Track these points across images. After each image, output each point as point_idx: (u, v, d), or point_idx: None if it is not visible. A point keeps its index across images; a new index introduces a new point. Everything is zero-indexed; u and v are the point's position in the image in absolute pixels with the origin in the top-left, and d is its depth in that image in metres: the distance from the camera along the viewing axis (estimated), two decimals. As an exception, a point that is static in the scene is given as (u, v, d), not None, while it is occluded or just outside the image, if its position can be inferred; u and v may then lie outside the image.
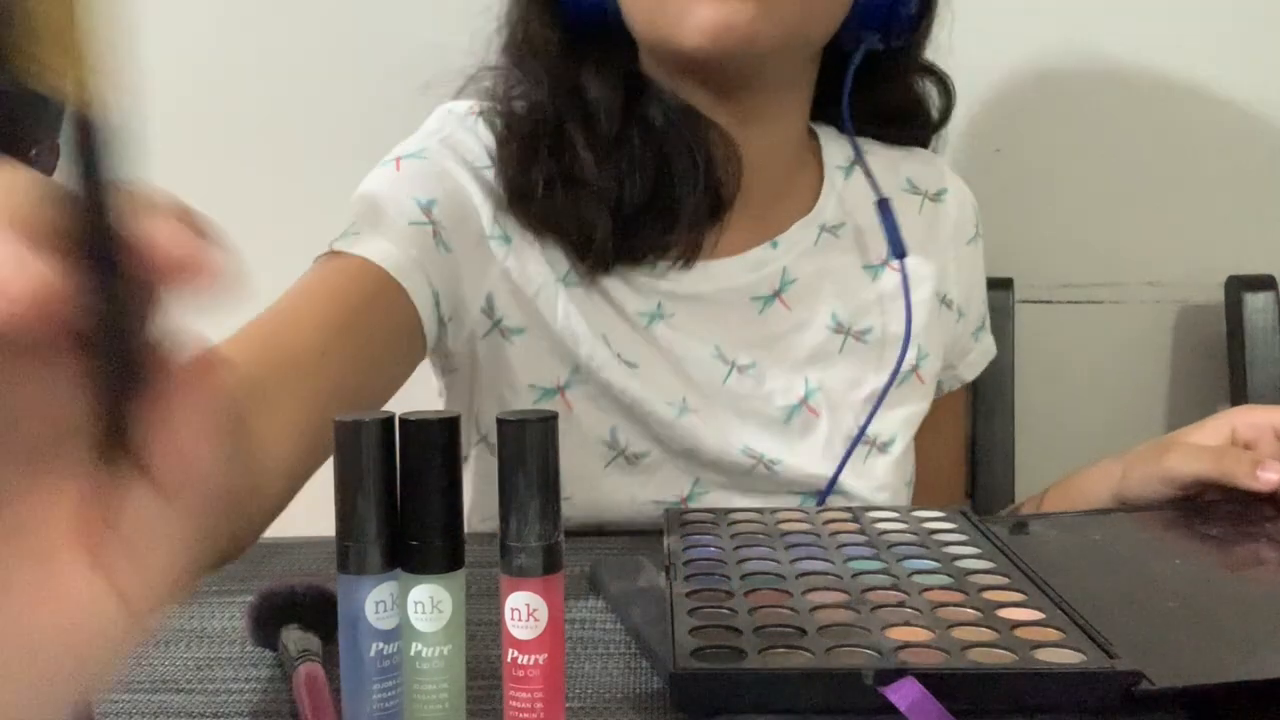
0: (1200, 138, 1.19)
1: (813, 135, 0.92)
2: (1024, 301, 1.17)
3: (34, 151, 0.64)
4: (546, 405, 0.82)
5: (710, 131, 0.83)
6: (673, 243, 0.82)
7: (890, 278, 0.88)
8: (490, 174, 0.82)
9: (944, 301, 0.92)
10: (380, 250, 0.76)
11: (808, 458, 0.84)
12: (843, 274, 0.88)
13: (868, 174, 0.87)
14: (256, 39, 1.18)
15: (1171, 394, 1.22)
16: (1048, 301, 1.21)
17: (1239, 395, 1.15)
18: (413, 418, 0.45)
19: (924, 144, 0.95)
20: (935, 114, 0.94)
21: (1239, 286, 1.16)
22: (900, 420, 0.87)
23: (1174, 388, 1.22)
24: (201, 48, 1.17)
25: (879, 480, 0.86)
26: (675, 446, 0.83)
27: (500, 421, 0.45)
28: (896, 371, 0.85)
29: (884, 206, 0.86)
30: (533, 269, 0.82)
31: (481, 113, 0.84)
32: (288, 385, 0.67)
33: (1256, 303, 1.15)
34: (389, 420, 0.45)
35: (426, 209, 0.79)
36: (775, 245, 0.86)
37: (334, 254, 0.77)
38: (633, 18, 0.81)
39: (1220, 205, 1.20)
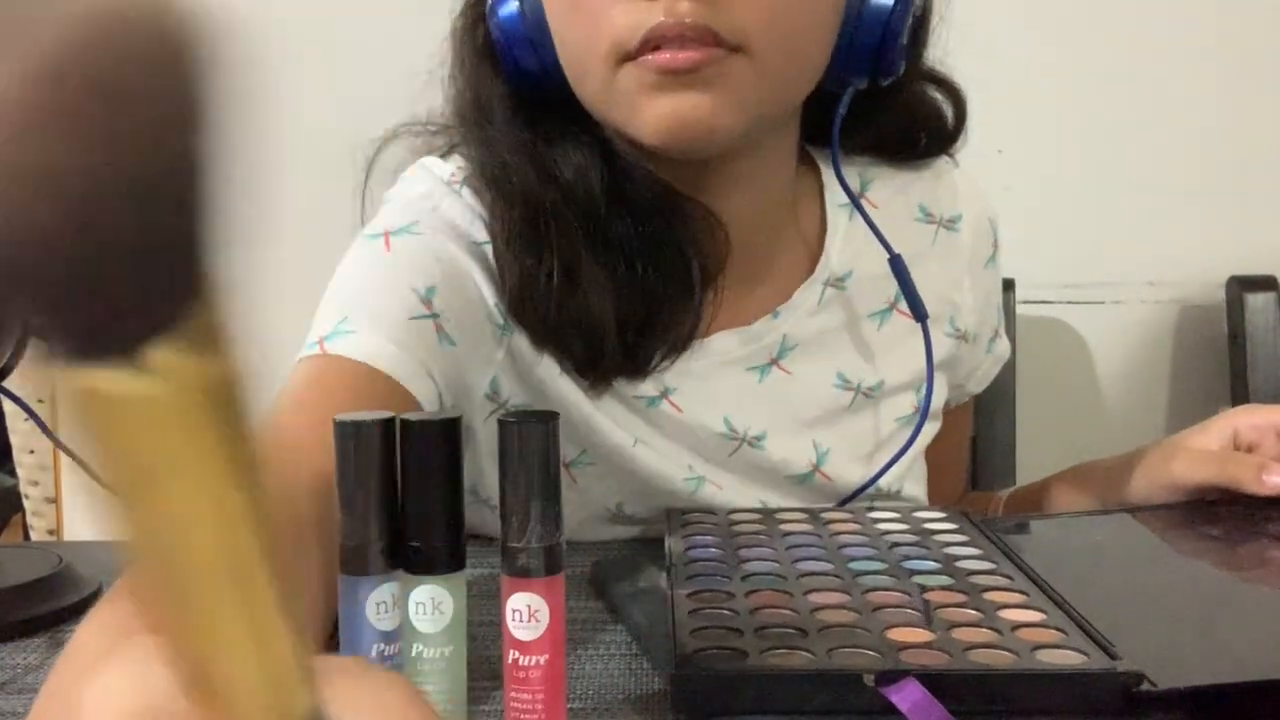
0: (1201, 138, 1.19)
1: (813, 165, 0.85)
2: (1025, 301, 1.17)
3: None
4: None
5: (688, 209, 0.75)
6: (671, 338, 0.76)
7: (898, 322, 0.82)
8: (489, 251, 0.75)
9: (958, 337, 0.86)
10: (384, 353, 0.68)
11: None
12: (848, 328, 0.82)
13: (875, 231, 0.78)
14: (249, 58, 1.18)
15: (1172, 394, 1.22)
16: (1048, 301, 1.21)
17: (1240, 395, 1.15)
18: (413, 418, 0.45)
19: (940, 154, 0.87)
20: (950, 122, 0.85)
21: (1240, 287, 1.16)
22: (905, 464, 0.83)
23: (1175, 388, 1.22)
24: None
25: None
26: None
27: (501, 422, 0.45)
28: (910, 442, 0.81)
29: (898, 265, 0.78)
30: (536, 356, 0.76)
31: (465, 179, 0.77)
32: (303, 553, 0.54)
33: (1257, 303, 1.15)
34: (390, 421, 0.45)
35: (427, 299, 0.71)
36: (777, 316, 0.80)
37: (329, 356, 0.68)
38: (584, 100, 0.73)
39: (1221, 205, 1.20)
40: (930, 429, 0.86)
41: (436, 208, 0.76)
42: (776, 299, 0.81)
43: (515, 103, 0.76)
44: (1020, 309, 1.16)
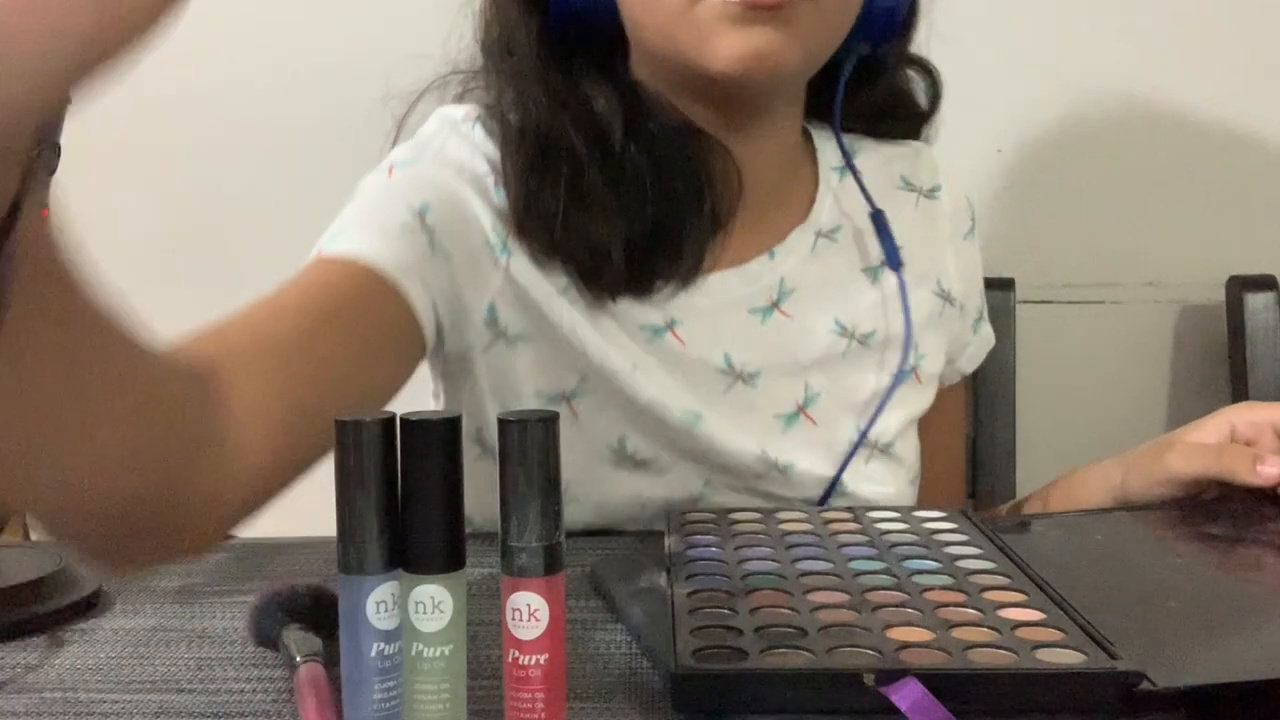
0: (1200, 138, 1.19)
1: (807, 135, 0.91)
2: (1025, 301, 1.17)
3: (37, 152, 0.64)
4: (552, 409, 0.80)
5: (709, 148, 0.81)
6: (677, 265, 0.81)
7: (891, 279, 0.87)
8: (491, 183, 0.80)
9: (945, 298, 0.91)
10: (370, 248, 0.72)
11: (811, 462, 0.83)
12: (842, 279, 0.87)
13: (860, 185, 0.86)
14: (239, 45, 1.18)
15: (1172, 394, 1.22)
16: (1048, 301, 1.21)
17: (1240, 395, 1.15)
18: (413, 418, 0.45)
19: (915, 136, 0.94)
20: (925, 104, 0.92)
21: (1240, 286, 1.16)
22: (899, 422, 0.86)
23: (1175, 388, 1.22)
24: (181, 52, 1.18)
25: (882, 481, 0.86)
26: (689, 451, 0.81)
27: (501, 421, 0.45)
28: (896, 382, 0.85)
29: (879, 219, 0.86)
30: (535, 278, 0.79)
31: (479, 118, 0.82)
32: (262, 368, 0.60)
33: (1257, 303, 1.15)
34: (390, 420, 0.45)
35: (420, 214, 0.76)
36: (773, 255, 0.85)
37: (323, 258, 0.73)
38: (645, 29, 0.78)
39: (1220, 205, 1.20)
40: (924, 393, 0.89)
41: (442, 147, 0.81)
42: (772, 242, 0.86)
43: (544, 41, 0.81)
44: (1020, 309, 1.16)
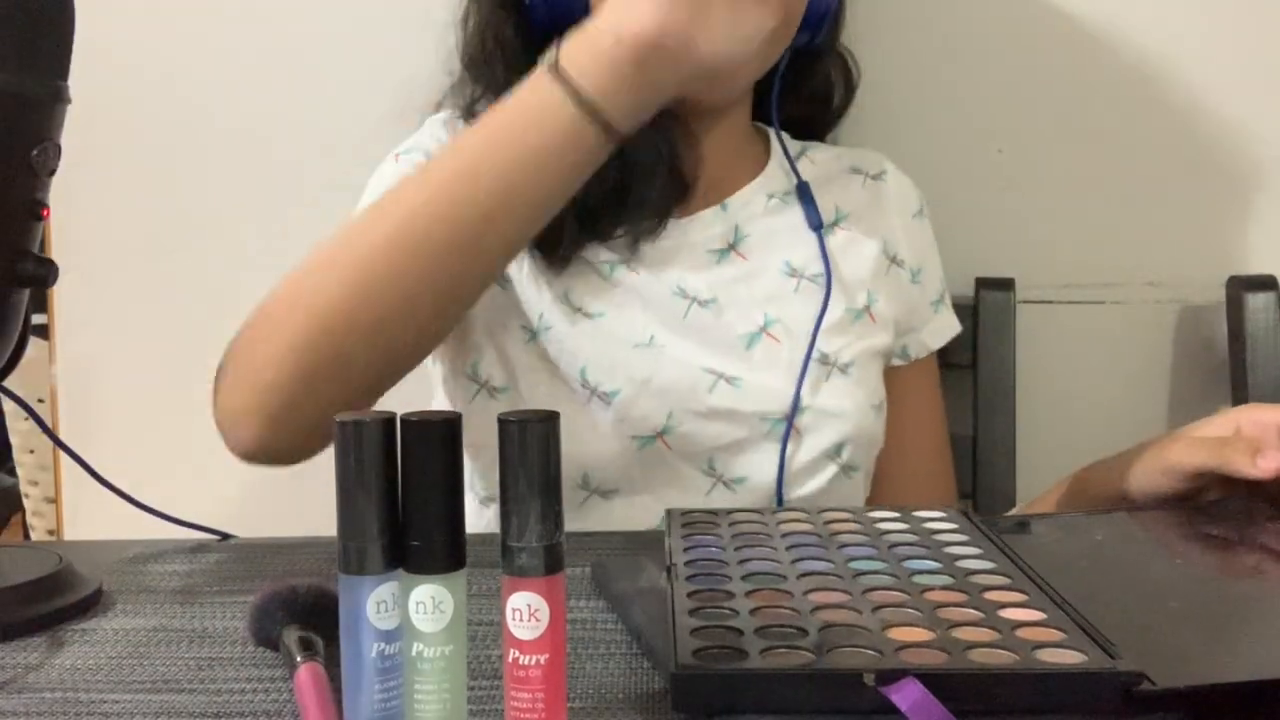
0: (1200, 137, 1.19)
1: (765, 136, 1.02)
2: (1025, 302, 1.18)
3: (35, 151, 0.64)
4: (533, 345, 0.91)
5: (672, 125, 0.90)
6: (639, 217, 0.90)
7: (839, 235, 0.97)
8: None
9: (893, 260, 0.99)
10: None
11: (770, 376, 0.90)
12: (793, 232, 0.96)
13: (787, 157, 0.98)
14: (250, 60, 1.18)
15: (1172, 394, 1.22)
16: (1048, 301, 1.21)
17: (1240, 396, 1.15)
18: (414, 418, 0.45)
19: (827, 129, 1.07)
20: (840, 95, 1.05)
21: (1240, 287, 1.16)
22: (856, 347, 0.93)
23: (1175, 388, 1.22)
24: (187, 73, 1.18)
25: (841, 399, 0.91)
26: (639, 375, 0.88)
27: (501, 421, 0.45)
28: (826, 302, 0.92)
29: (802, 190, 0.97)
30: None
31: (459, 115, 0.96)
32: None
33: (1257, 303, 1.15)
34: (390, 420, 0.45)
35: None
36: (725, 207, 0.96)
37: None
38: None
39: (1220, 205, 1.20)
40: (879, 332, 0.96)
41: (433, 134, 0.96)
42: (724, 198, 0.96)
43: (523, 46, 0.91)
44: (1020, 309, 1.16)
